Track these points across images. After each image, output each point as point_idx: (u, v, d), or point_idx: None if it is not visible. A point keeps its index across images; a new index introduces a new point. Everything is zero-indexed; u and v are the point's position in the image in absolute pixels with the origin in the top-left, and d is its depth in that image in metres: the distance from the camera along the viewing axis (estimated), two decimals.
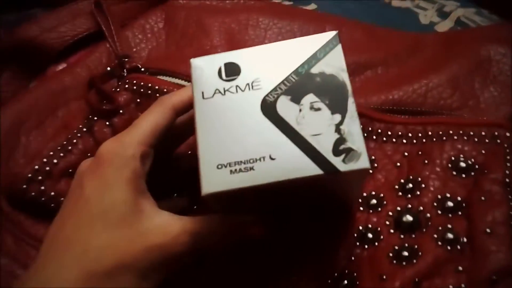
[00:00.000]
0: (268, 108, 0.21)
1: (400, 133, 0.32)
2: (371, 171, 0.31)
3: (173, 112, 0.25)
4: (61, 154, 0.31)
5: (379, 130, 0.32)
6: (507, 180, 0.28)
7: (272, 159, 0.20)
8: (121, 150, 0.23)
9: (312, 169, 0.20)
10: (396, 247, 0.27)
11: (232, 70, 0.22)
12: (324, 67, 0.22)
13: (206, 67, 0.23)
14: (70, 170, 0.31)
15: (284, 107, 0.21)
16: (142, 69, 0.36)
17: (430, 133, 0.31)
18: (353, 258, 0.27)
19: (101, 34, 0.38)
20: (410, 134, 0.32)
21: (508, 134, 0.30)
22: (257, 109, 0.21)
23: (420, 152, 0.31)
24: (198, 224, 0.23)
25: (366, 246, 0.27)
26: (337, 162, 0.20)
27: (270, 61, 0.22)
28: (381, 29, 0.41)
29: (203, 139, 0.21)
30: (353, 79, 0.37)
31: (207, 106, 0.22)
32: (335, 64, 0.22)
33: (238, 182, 0.20)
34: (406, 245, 0.27)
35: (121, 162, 0.23)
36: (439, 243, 0.26)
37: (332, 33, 0.23)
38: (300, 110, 0.21)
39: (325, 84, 0.22)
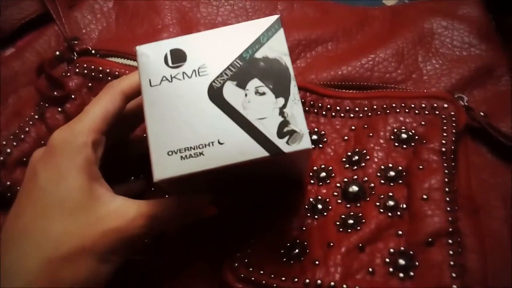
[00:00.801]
0: (215, 94, 0.22)
1: (348, 107, 0.34)
2: (321, 146, 0.32)
3: (123, 97, 0.26)
4: (14, 143, 0.31)
5: (329, 106, 0.34)
6: (443, 149, 0.30)
7: (220, 143, 0.21)
8: (72, 139, 0.24)
9: (258, 151, 0.21)
10: (343, 216, 0.29)
11: (178, 57, 0.23)
12: (267, 51, 0.23)
13: (152, 54, 0.23)
14: (24, 159, 0.31)
15: (230, 92, 0.22)
16: (93, 52, 0.35)
17: (375, 106, 0.33)
18: (304, 228, 0.29)
19: (49, 16, 0.37)
20: (357, 109, 0.33)
21: (445, 105, 0.32)
22: (204, 95, 0.22)
23: (366, 126, 0.32)
24: (153, 207, 0.23)
25: (316, 217, 0.29)
26: (282, 144, 0.21)
27: (215, 47, 0.23)
28: (332, 4, 0.42)
29: (152, 126, 0.22)
30: (304, 55, 0.38)
31: (155, 94, 0.22)
32: (277, 48, 0.23)
33: (188, 168, 0.21)
34: (352, 213, 0.29)
35: (73, 151, 0.23)
36: (381, 210, 0.29)
37: (274, 17, 0.23)
38: (246, 95, 0.22)
39: (269, 69, 0.22)
